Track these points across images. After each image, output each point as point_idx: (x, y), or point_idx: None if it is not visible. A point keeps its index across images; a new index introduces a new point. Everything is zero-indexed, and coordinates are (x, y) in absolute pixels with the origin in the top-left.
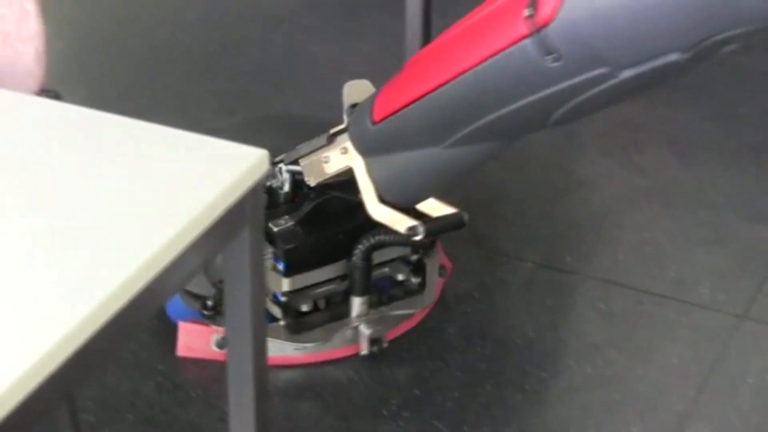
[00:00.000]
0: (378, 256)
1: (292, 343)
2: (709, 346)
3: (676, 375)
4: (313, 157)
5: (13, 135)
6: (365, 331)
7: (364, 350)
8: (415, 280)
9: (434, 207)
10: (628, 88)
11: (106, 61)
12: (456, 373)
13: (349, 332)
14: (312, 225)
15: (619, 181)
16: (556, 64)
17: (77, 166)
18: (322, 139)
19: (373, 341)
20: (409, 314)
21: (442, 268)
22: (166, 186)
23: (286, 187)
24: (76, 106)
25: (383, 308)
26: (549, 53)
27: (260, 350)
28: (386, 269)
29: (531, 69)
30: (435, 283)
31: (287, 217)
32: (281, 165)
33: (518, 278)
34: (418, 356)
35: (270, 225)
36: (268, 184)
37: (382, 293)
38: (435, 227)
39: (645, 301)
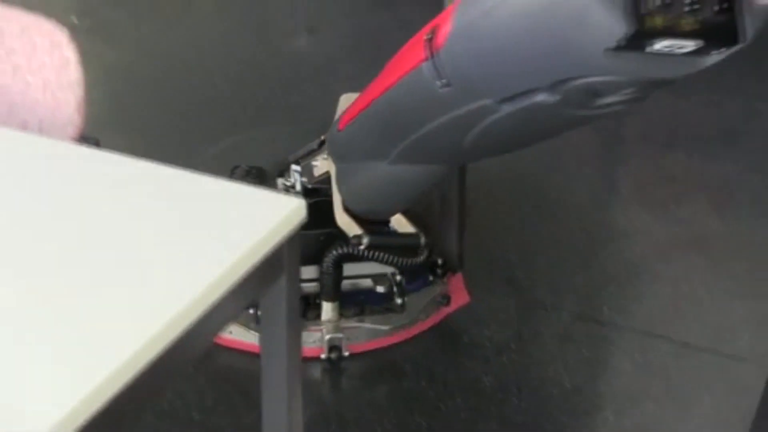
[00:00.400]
0: (366, 269)
1: (257, 333)
2: (748, 400)
3: (715, 428)
4: (307, 160)
5: (53, 182)
6: (325, 335)
7: (324, 354)
8: (398, 299)
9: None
10: (518, 128)
11: (145, 108)
12: (492, 425)
13: (317, 334)
14: None
15: (656, 232)
16: (446, 89)
17: (116, 213)
18: (315, 143)
19: (332, 348)
20: (383, 330)
21: (445, 297)
22: (204, 234)
23: (297, 186)
24: (115, 153)
25: (354, 319)
26: (440, 78)
27: (294, 389)
28: (368, 282)
29: (428, 92)
30: (424, 308)
31: None
32: (293, 165)
33: (555, 329)
34: (454, 408)
35: None
36: (283, 182)
37: (361, 305)
38: (381, 241)
39: (683, 353)
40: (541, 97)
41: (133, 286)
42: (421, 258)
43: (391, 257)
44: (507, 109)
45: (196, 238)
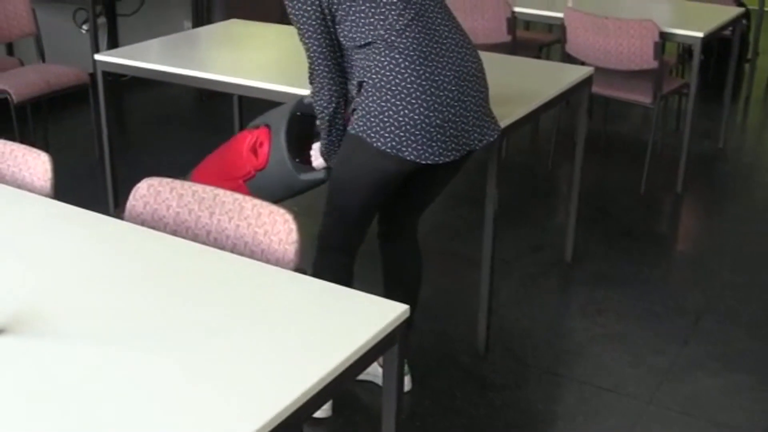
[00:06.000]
0: None
1: None
2: (623, 424)
3: None
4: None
5: (261, 291)
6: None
7: None
8: None
9: None
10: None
11: None
12: (473, 378)
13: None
14: None
15: (582, 330)
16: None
17: (304, 305)
18: None
19: None
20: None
21: None
22: (357, 323)
23: None
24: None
25: None
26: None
27: (399, 408)
28: None
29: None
30: None
31: None
32: None
33: (533, 379)
34: (452, 357)
35: None
36: None
37: None
38: None
39: (585, 389)
40: None
41: (295, 353)
42: None
43: None
44: None
45: (351, 328)
